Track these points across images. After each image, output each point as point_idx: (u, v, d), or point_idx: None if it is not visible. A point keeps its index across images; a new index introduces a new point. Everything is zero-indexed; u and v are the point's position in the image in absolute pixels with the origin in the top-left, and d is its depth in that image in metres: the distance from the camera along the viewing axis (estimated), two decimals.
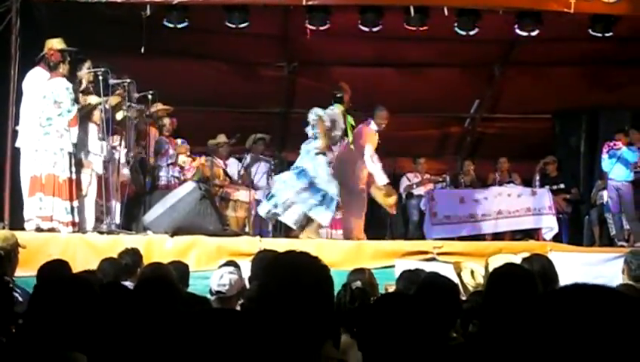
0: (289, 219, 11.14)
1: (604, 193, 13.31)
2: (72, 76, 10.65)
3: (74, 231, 10.30)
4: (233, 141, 13.44)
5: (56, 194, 10.25)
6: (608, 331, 1.52)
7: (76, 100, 10.47)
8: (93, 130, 10.82)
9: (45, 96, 10.32)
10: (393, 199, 11.67)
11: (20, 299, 5.97)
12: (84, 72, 10.82)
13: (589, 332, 1.52)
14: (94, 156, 10.79)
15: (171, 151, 12.46)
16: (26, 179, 10.37)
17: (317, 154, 11.11)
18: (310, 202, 10.93)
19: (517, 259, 5.82)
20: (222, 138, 13.49)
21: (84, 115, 10.67)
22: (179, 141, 12.79)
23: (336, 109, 11.29)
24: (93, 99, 10.79)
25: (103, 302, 3.77)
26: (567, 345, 1.53)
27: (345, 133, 11.40)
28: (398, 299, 3.03)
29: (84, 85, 10.81)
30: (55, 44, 10.56)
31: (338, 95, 11.41)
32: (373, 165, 11.57)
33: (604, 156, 12.94)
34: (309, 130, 11.22)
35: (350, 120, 11.45)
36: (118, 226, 10.82)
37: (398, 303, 2.91)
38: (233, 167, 13.66)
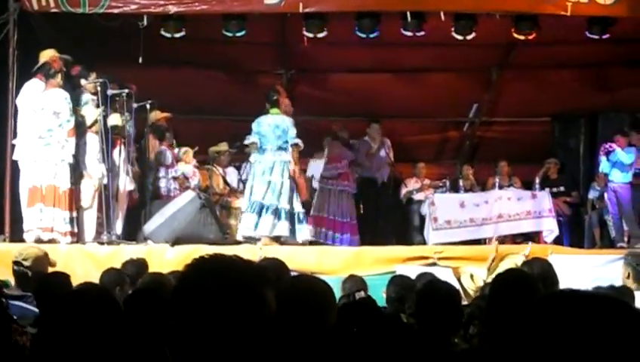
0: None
1: (596, 192, 13.41)
2: (66, 86, 10.64)
3: (73, 242, 10.29)
4: (235, 149, 13.43)
5: (56, 205, 10.24)
6: (596, 337, 1.54)
7: (74, 111, 10.47)
8: (93, 140, 10.81)
9: (44, 108, 10.32)
10: None
11: None
12: (87, 83, 10.85)
13: (579, 338, 1.54)
14: (96, 167, 10.77)
15: (171, 161, 12.46)
16: (25, 190, 10.35)
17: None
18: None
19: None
20: (224, 146, 13.48)
21: (84, 127, 10.67)
22: (182, 149, 12.79)
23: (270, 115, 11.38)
24: (91, 112, 10.78)
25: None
26: (562, 350, 1.55)
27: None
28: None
29: (84, 95, 10.84)
30: (51, 53, 10.56)
31: (274, 98, 11.56)
32: None
33: (602, 158, 12.94)
34: None
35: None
36: (118, 237, 10.80)
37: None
38: (232, 175, 13.64)
